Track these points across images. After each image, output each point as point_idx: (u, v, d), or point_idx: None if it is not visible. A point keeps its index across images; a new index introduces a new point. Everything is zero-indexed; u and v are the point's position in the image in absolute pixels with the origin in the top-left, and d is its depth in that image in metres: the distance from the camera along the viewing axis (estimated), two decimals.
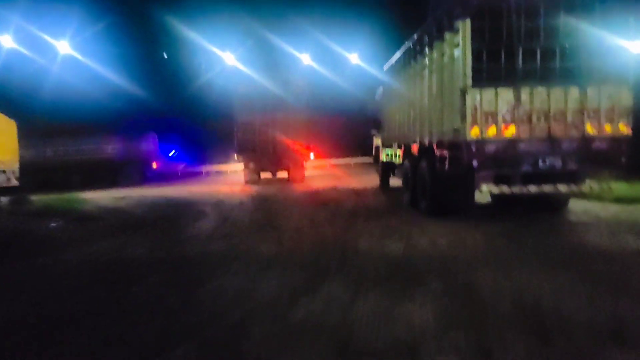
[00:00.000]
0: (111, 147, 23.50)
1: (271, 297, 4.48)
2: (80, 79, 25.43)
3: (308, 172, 20.42)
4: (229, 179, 24.23)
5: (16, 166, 20.35)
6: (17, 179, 20.15)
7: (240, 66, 25.48)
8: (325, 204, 11.52)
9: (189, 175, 27.53)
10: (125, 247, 7.38)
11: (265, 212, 10.80)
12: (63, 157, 22.96)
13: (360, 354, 3.16)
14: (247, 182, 19.20)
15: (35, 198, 12.40)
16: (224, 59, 26.70)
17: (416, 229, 7.58)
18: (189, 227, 9.08)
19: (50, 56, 24.83)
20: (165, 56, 28.68)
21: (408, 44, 10.18)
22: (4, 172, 19.30)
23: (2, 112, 19.62)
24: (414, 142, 9.75)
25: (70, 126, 23.70)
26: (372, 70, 19.20)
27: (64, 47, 24.71)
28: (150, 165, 25.59)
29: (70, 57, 25.12)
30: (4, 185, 18.97)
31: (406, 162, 10.46)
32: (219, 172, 28.25)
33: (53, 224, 9.43)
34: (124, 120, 24.56)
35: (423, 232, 7.29)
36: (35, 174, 22.34)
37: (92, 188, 19.74)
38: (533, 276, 4.75)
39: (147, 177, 24.97)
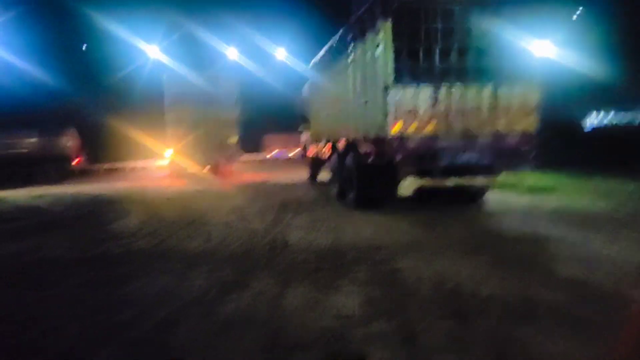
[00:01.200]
0: (27, 143, 21.87)
1: (199, 294, 4.43)
2: None
3: (238, 167, 20.21)
4: (156, 174, 23.38)
5: None
6: None
7: (166, 60, 24.68)
8: (254, 199, 11.48)
9: (113, 172, 26.20)
10: (42, 248, 6.94)
11: (193, 208, 10.56)
12: None
13: (288, 348, 3.21)
14: (175, 177, 18.60)
15: None
16: (147, 52, 25.73)
17: (343, 221, 7.78)
18: (111, 225, 8.69)
19: None
20: (84, 47, 27.06)
21: (332, 41, 10.35)
22: None
23: None
24: (341, 137, 9.97)
25: None
26: (300, 65, 19.30)
27: None
28: (71, 162, 24.06)
29: None
30: None
31: (334, 156, 10.66)
32: (144, 168, 27.13)
33: None
34: (41, 115, 22.86)
35: (350, 224, 7.49)
36: None
37: (5, 186, 18.27)
38: (452, 262, 5.06)
39: (68, 175, 23.46)
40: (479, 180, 7.61)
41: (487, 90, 7.50)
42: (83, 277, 5.27)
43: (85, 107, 26.38)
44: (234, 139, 18.46)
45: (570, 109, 17.40)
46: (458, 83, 7.44)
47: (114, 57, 26.64)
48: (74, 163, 24.50)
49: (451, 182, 7.50)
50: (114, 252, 6.50)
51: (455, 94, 7.43)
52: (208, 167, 19.18)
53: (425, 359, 2.96)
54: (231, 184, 15.61)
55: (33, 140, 21.92)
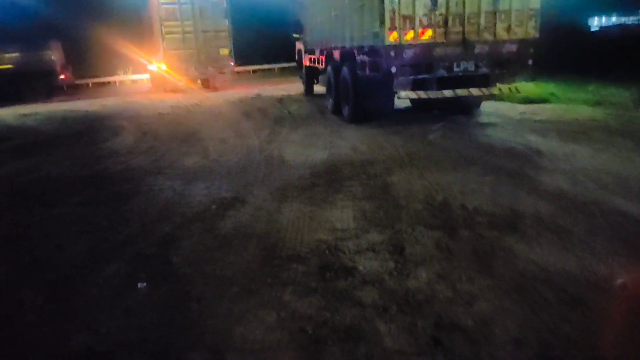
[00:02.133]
0: (10, 58, 21.17)
1: (199, 210, 4.59)
2: None
3: (231, 79, 19.87)
4: (143, 88, 22.96)
5: None
6: None
7: None
8: (249, 113, 11.42)
9: (100, 87, 25.70)
10: (42, 166, 7.04)
11: (187, 123, 10.54)
12: None
13: (286, 260, 3.41)
14: (167, 90, 18.42)
15: None
16: None
17: (338, 136, 7.82)
18: (107, 143, 8.74)
19: None
20: None
21: None
22: None
23: None
24: (336, 47, 9.69)
25: None
26: None
27: None
28: (57, 77, 23.48)
29: None
30: None
31: (329, 67, 10.43)
32: (134, 82, 26.57)
33: None
34: (24, 29, 21.88)
35: (344, 139, 7.54)
36: None
37: None
38: (443, 175, 5.19)
39: (55, 91, 23.02)
40: (474, 92, 7.52)
41: None
42: (86, 194, 5.42)
43: (68, 19, 25.20)
44: (225, 51, 18.26)
45: (575, 12, 16.72)
46: None
47: None
48: (60, 78, 23.90)
49: (447, 93, 7.43)
50: (114, 169, 6.61)
51: None
52: (200, 79, 19.05)
53: (412, 267, 3.15)
54: (224, 98, 15.41)
55: (16, 54, 21.21)
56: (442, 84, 7.42)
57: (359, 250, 3.48)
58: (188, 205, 4.75)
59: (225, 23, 18.07)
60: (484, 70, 7.47)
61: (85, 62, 26.17)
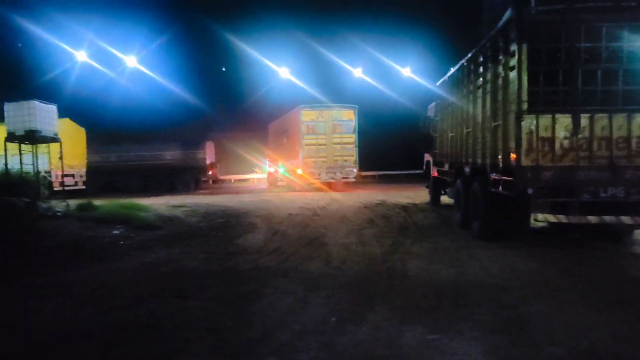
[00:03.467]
0: (170, 154, 24.65)
1: (318, 320, 4.56)
2: (143, 89, 26.92)
3: (356, 184, 21.39)
4: (276, 188, 24.76)
5: (83, 170, 21.84)
6: (83, 182, 21.62)
7: (296, 80, 26.36)
8: (373, 220, 11.52)
9: (238, 184, 28.36)
10: (180, 258, 7.69)
11: (313, 225, 10.93)
12: (126, 162, 24.36)
13: None
14: (297, 190, 21.31)
15: (99, 203, 13.10)
16: (279, 73, 27.55)
17: (466, 253, 7.47)
18: (240, 239, 9.35)
19: (117, 69, 26.41)
20: (223, 69, 29.79)
21: (462, 61, 10.06)
22: (72, 175, 20.71)
23: (73, 121, 21.11)
24: (467, 162, 9.61)
25: (133, 133, 25.31)
26: (426, 85, 19.25)
27: (130, 60, 26.23)
28: (206, 173, 26.54)
29: (135, 70, 26.61)
30: (72, 187, 20.33)
31: (458, 181, 10.30)
32: (260, 181, 29.23)
33: (115, 232, 9.96)
34: (182, 129, 25.68)
35: (473, 257, 7.17)
36: (100, 177, 24.03)
37: (150, 194, 20.64)
38: (589, 314, 4.58)
39: (202, 185, 25.98)
40: (625, 219, 6.79)
41: (638, 118, 6.73)
42: (216, 290, 5.73)
43: (219, 124, 28.98)
44: (351, 159, 21.38)
45: None
46: (603, 110, 6.79)
47: (248, 79, 28.92)
48: (208, 174, 27.06)
49: (592, 219, 6.80)
50: (243, 267, 6.96)
51: (599, 122, 6.78)
52: (328, 182, 21.48)
53: None
54: (349, 203, 15.85)
55: (176, 152, 24.65)
56: (587, 209, 6.84)
57: None
58: (308, 314, 4.76)
59: (353, 137, 21.32)
60: (636, 197, 6.76)
61: (226, 160, 29.57)
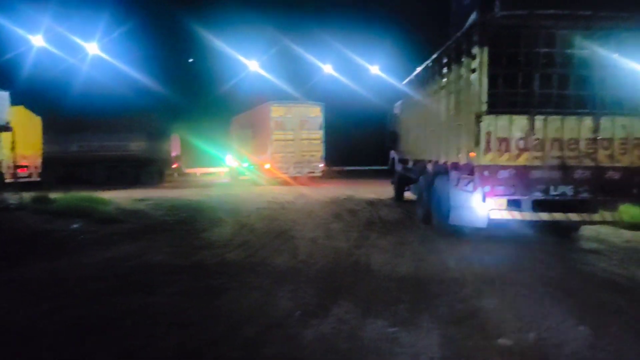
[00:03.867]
0: (135, 145, 23.77)
1: (283, 314, 4.68)
2: (106, 77, 26.18)
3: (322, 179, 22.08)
4: (241, 182, 24.66)
5: (39, 161, 20.87)
6: (39, 174, 20.69)
7: (265, 74, 26.33)
8: (340, 215, 11.72)
9: (201, 177, 28.15)
10: (144, 252, 7.62)
11: (281, 219, 11.04)
12: (87, 153, 23.33)
13: None
14: (266, 185, 21.59)
15: (57, 195, 12.75)
16: (248, 66, 27.42)
17: (427, 248, 7.77)
18: (207, 233, 9.37)
19: (78, 55, 25.58)
20: (190, 60, 29.37)
21: (428, 62, 10.33)
22: (26, 166, 19.84)
23: (28, 109, 20.19)
24: (430, 160, 9.91)
25: (96, 122, 23.98)
26: (394, 82, 19.59)
27: (92, 47, 25.45)
28: (171, 166, 26.08)
29: (97, 57, 25.85)
30: (26, 179, 19.50)
31: (421, 178, 10.61)
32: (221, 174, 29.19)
33: (74, 225, 9.77)
34: (148, 119, 24.86)
35: (433, 251, 7.47)
36: (58, 168, 22.81)
37: (113, 187, 20.17)
38: (537, 307, 4.87)
39: (166, 178, 25.51)
40: (574, 217, 7.21)
41: (588, 121, 7.13)
42: (182, 285, 5.75)
43: (185, 115, 28.53)
44: (317, 155, 22.11)
45: None
46: (556, 112, 7.16)
47: (216, 70, 28.60)
48: (173, 167, 26.53)
49: (543, 216, 7.20)
50: (210, 261, 6.99)
51: (552, 124, 7.15)
52: (294, 177, 21.92)
53: None
54: (316, 198, 16.02)
55: (141, 142, 23.80)
56: (539, 206, 7.22)
57: None
58: (274, 308, 4.87)
59: (320, 133, 22.07)
60: (584, 195, 7.18)
61: (189, 153, 29.15)
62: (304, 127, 21.73)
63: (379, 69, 28.43)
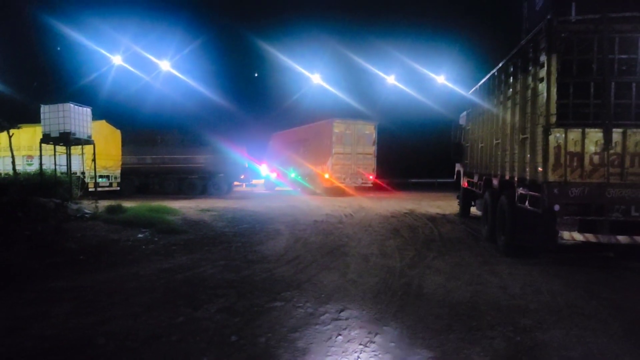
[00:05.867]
0: (203, 158, 24.97)
1: (323, 338, 4.46)
2: (176, 93, 27.55)
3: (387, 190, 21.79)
4: (305, 194, 24.78)
5: (118, 172, 22.41)
6: (118, 184, 22.19)
7: (327, 86, 26.58)
8: (397, 231, 11.31)
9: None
10: (199, 264, 7.71)
11: (335, 235, 10.82)
12: (160, 165, 24.83)
13: None
14: (323, 195, 23.04)
15: (130, 204, 13.37)
16: (310, 80, 27.77)
17: (489, 270, 7.21)
18: (261, 246, 9.33)
19: (152, 72, 27.11)
20: (256, 75, 30.20)
21: (494, 71, 9.77)
22: (107, 177, 21.30)
23: (109, 123, 21.72)
24: (495, 174, 9.31)
25: (167, 136, 25.79)
26: (461, 91, 18.94)
27: (164, 64, 26.89)
28: (238, 177, 26.89)
29: (169, 73, 27.26)
30: (106, 189, 20.93)
31: (486, 194, 9.99)
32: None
33: (139, 235, 10.13)
34: (216, 133, 25.98)
35: (495, 274, 6.92)
36: (134, 179, 24.61)
37: (183, 197, 20.97)
38: (611, 341, 4.31)
39: (233, 189, 26.30)
40: None
41: None
42: (227, 301, 5.69)
43: (253, 128, 29.38)
44: (369, 169, 24.04)
45: None
46: (636, 125, 6.43)
47: (279, 85, 29.23)
48: (241, 178, 27.35)
49: (623, 239, 6.44)
50: (258, 277, 6.91)
51: (632, 137, 6.41)
52: (352, 186, 23.85)
53: None
54: (376, 211, 15.65)
55: (209, 156, 24.93)
56: (617, 228, 6.48)
57: None
58: (315, 330, 4.67)
59: (373, 148, 24.06)
60: None
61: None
62: (359, 142, 23.86)
63: (445, 78, 27.64)
